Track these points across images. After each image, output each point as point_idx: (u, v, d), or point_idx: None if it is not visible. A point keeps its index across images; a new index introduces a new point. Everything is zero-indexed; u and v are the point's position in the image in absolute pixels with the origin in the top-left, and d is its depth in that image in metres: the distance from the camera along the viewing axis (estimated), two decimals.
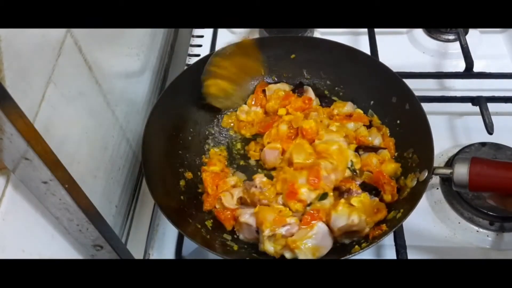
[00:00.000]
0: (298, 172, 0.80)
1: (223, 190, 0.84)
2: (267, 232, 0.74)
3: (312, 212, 0.76)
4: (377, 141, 0.87)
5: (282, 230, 0.74)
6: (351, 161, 0.82)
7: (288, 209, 0.77)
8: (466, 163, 0.69)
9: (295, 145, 0.85)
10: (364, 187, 0.81)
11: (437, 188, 0.90)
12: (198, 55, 1.12)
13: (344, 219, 0.74)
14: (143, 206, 0.93)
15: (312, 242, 0.73)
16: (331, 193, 0.78)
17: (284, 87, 0.97)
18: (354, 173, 0.82)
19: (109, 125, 0.82)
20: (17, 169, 0.50)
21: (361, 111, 0.92)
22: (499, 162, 0.72)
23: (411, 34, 1.16)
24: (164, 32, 1.16)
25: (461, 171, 0.69)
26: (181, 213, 0.80)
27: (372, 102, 0.92)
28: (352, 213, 0.74)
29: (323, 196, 0.77)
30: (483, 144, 0.90)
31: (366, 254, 0.77)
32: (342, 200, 0.77)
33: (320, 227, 0.74)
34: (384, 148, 0.86)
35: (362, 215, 0.74)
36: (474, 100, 0.95)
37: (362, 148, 0.86)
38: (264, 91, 0.96)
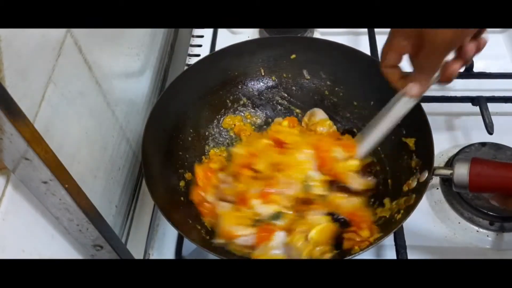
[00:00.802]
0: (254, 180, 0.76)
1: (213, 183, 0.82)
2: (218, 241, 0.73)
3: (264, 228, 0.73)
4: (355, 185, 0.78)
5: (240, 241, 0.72)
6: (308, 179, 0.74)
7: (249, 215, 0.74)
8: (466, 164, 0.69)
9: (263, 149, 0.78)
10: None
11: (437, 188, 0.89)
12: (198, 55, 1.12)
13: (298, 254, 0.70)
14: (143, 206, 0.93)
15: (278, 252, 0.71)
16: (286, 214, 0.73)
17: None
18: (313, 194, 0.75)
19: (109, 125, 0.82)
20: (17, 169, 0.50)
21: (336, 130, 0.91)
22: (499, 163, 0.72)
23: None
24: (164, 32, 1.16)
25: (461, 171, 0.69)
26: (181, 213, 0.80)
27: (372, 102, 0.91)
28: (306, 249, 0.70)
29: (276, 215, 0.73)
30: (483, 144, 0.90)
31: (366, 254, 0.77)
32: (298, 235, 0.72)
33: (278, 235, 0.72)
34: (358, 195, 0.78)
35: (319, 247, 0.71)
36: (474, 100, 0.95)
37: (337, 186, 0.77)
38: None
